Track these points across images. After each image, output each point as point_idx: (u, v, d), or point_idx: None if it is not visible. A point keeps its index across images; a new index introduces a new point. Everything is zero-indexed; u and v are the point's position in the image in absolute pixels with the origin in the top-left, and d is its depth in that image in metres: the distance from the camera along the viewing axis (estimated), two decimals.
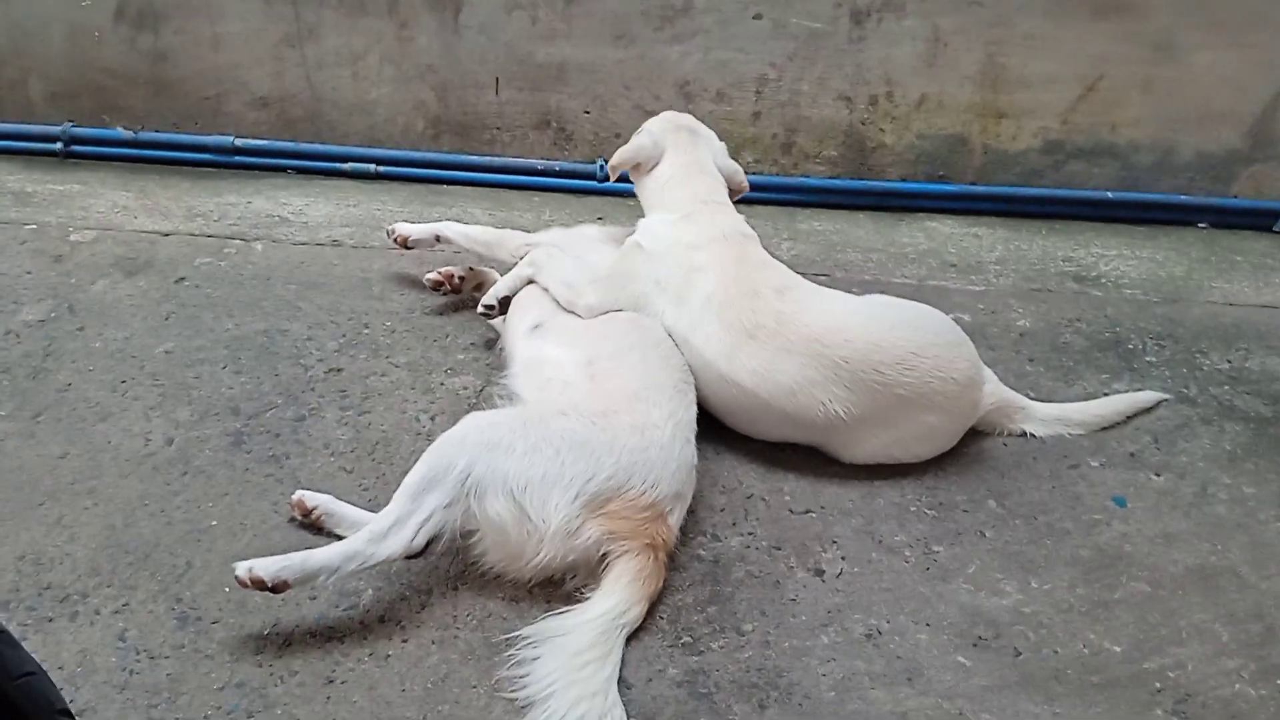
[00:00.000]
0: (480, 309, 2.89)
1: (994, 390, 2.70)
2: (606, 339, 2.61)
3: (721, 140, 3.01)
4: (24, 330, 2.96)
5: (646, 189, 2.93)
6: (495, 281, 2.98)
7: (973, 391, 2.62)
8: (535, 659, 2.05)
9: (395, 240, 3.22)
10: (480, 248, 3.15)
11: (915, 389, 2.51)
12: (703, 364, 2.61)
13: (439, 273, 3.17)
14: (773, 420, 2.62)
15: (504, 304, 2.86)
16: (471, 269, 3.19)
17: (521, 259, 2.91)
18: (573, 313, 2.74)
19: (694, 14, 3.67)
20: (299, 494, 2.38)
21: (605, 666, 2.04)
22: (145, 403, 2.72)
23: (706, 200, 2.82)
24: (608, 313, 2.72)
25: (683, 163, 2.88)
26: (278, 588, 2.09)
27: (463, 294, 3.20)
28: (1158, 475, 2.67)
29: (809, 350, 2.51)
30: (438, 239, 3.22)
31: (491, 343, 2.99)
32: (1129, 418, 2.84)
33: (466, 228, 3.20)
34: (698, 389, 2.61)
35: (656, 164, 2.90)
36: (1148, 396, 2.88)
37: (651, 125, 2.99)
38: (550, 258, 2.85)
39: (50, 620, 2.14)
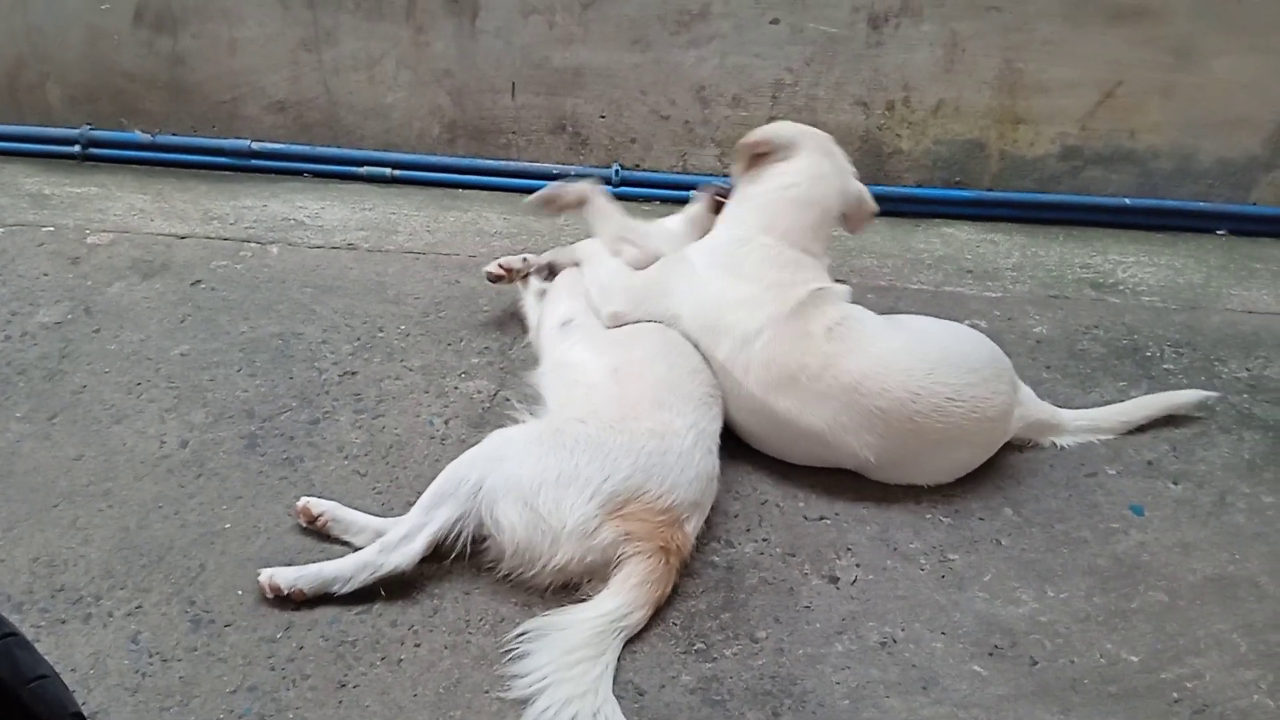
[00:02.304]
0: (522, 259, 2.99)
1: (1024, 413, 2.66)
2: (635, 346, 2.61)
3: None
4: (40, 332, 2.97)
5: (747, 194, 2.76)
6: (560, 270, 3.00)
7: (1005, 422, 2.60)
8: (530, 654, 2.07)
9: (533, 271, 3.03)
10: (606, 233, 2.95)
11: (947, 433, 2.50)
12: (736, 391, 2.58)
13: (500, 265, 3.03)
14: (799, 453, 2.63)
15: (548, 270, 2.92)
16: (526, 259, 3.08)
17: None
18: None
19: (711, 19, 3.66)
20: (304, 500, 2.38)
21: (596, 666, 2.05)
22: (160, 405, 2.73)
23: (795, 254, 2.65)
24: (629, 324, 2.70)
25: (810, 175, 2.73)
26: (294, 596, 2.17)
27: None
28: (1176, 484, 2.65)
29: (846, 398, 2.48)
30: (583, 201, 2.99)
31: (506, 348, 2.98)
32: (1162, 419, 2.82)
33: (609, 205, 3.01)
34: (727, 411, 2.60)
35: (783, 160, 2.74)
36: (1186, 396, 2.83)
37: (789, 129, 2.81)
38: (601, 251, 2.84)
39: (63, 622, 2.14)
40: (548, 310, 2.83)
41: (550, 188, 2.99)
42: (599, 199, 2.98)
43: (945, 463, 2.58)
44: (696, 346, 2.63)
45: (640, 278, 2.77)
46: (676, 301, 2.68)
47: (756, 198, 2.73)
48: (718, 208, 2.91)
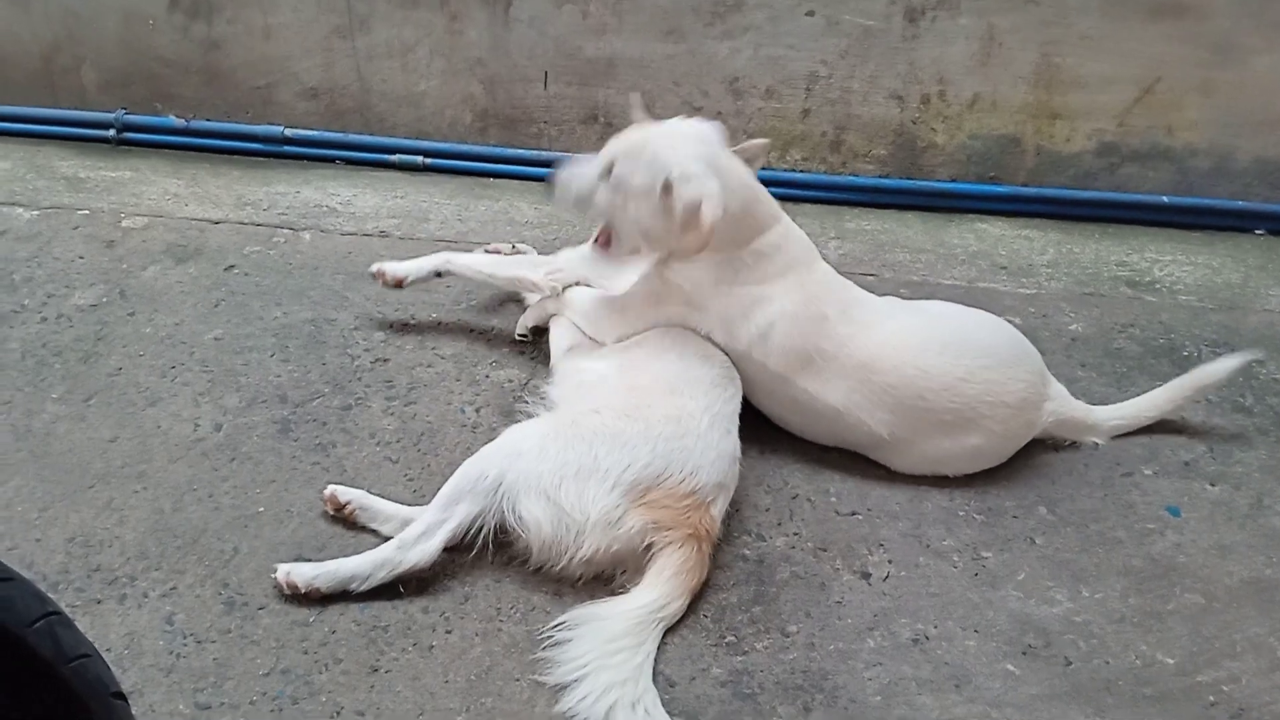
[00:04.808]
0: (516, 335, 2.92)
1: (1056, 409, 2.62)
2: (642, 345, 2.60)
3: (768, 136, 2.86)
4: (76, 315, 2.99)
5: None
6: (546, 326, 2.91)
7: (1027, 413, 2.56)
8: (569, 641, 2.08)
9: (384, 283, 2.91)
10: (501, 283, 2.92)
11: (960, 414, 2.48)
12: (759, 376, 2.57)
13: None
14: (820, 431, 2.63)
15: (536, 332, 2.88)
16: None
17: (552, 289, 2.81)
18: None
19: (745, 10, 3.64)
20: (331, 488, 2.38)
21: (637, 655, 2.05)
22: (194, 389, 2.74)
23: (771, 236, 2.54)
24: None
25: (692, 172, 2.37)
26: (310, 594, 2.17)
27: None
28: (1213, 485, 2.62)
29: (858, 375, 2.49)
30: (438, 274, 2.91)
31: (537, 337, 2.97)
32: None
33: (472, 258, 2.92)
34: (752, 395, 2.60)
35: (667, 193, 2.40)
36: (1219, 367, 2.71)
37: (698, 175, 2.35)
38: (573, 290, 2.78)
39: (99, 602, 2.16)
40: (554, 339, 2.79)
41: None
42: (459, 259, 2.91)
43: (961, 448, 2.54)
44: (709, 339, 2.59)
45: (625, 296, 2.67)
46: (679, 306, 2.59)
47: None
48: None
